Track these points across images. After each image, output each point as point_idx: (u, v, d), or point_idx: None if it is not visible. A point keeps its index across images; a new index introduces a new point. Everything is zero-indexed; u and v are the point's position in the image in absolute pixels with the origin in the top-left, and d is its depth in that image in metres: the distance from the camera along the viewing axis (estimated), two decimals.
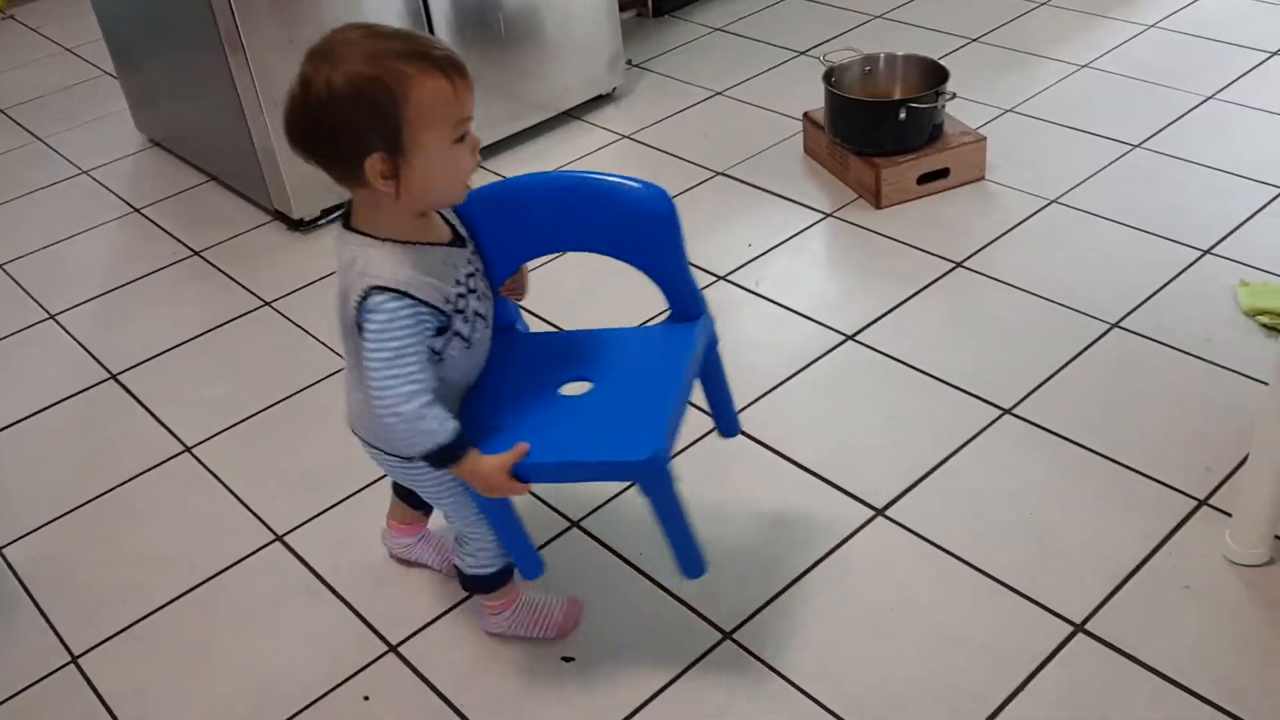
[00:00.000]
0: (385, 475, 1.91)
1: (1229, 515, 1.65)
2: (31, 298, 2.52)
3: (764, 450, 1.89)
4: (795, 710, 1.49)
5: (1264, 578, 1.59)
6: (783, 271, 2.34)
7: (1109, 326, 2.07)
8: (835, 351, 2.10)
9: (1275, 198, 2.37)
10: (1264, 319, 2.02)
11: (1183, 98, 2.76)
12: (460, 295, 1.34)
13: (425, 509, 1.71)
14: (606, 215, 1.46)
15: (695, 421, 1.77)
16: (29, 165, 3.08)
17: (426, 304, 1.28)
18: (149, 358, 2.28)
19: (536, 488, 1.69)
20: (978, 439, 1.87)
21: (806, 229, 2.46)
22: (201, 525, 1.87)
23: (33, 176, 3.02)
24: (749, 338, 2.14)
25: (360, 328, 1.27)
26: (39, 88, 3.55)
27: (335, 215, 2.63)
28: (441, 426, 1.29)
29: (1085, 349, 2.03)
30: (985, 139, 2.53)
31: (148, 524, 1.89)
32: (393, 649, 1.63)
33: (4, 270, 2.63)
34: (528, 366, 1.49)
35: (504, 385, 1.46)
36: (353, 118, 1.20)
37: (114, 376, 2.24)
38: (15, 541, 1.89)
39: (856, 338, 2.13)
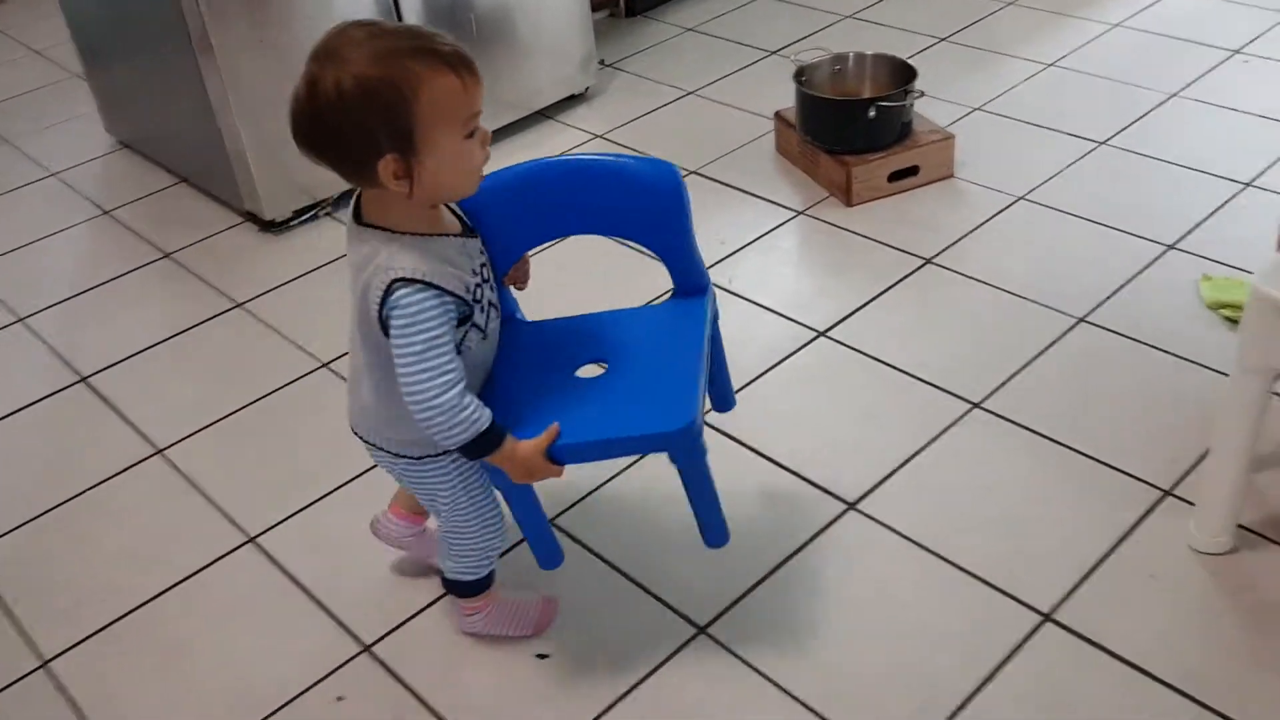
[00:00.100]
0: (360, 475, 1.92)
1: (1193, 505, 1.68)
2: (0, 301, 2.50)
3: (737, 446, 1.90)
4: (769, 703, 1.50)
5: (1227, 566, 1.61)
6: (755, 269, 2.35)
7: (1076, 321, 2.10)
8: (807, 348, 2.12)
9: (1237, 193, 2.40)
10: (1226, 312, 2.05)
11: (1147, 95, 2.80)
12: (478, 285, 1.33)
13: None
14: (614, 195, 1.47)
15: None
16: None
17: (451, 294, 1.27)
18: (120, 360, 2.27)
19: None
20: (948, 433, 1.89)
21: (778, 227, 2.48)
22: (173, 528, 1.87)
23: (1, 179, 3.00)
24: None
25: (385, 324, 1.25)
26: (7, 90, 3.52)
27: (307, 216, 2.64)
28: (480, 413, 1.29)
29: (1052, 343, 2.05)
30: (954, 137, 2.56)
31: (119, 527, 1.88)
32: (367, 649, 1.63)
33: None
34: (539, 354, 1.50)
35: (519, 374, 1.46)
36: (364, 119, 1.19)
37: (84, 379, 2.23)
38: None
39: (828, 334, 2.14)
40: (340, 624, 1.67)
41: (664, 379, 1.42)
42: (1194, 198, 2.40)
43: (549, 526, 1.50)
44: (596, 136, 2.86)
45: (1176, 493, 1.73)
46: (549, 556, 1.51)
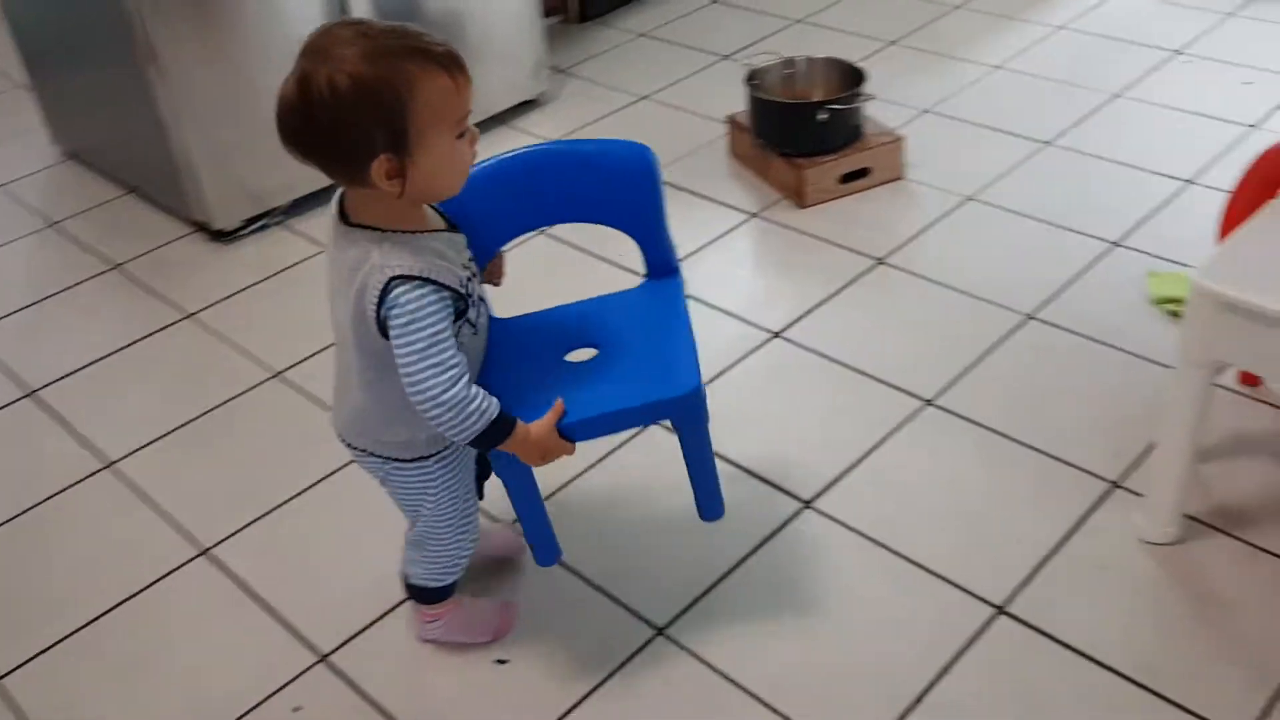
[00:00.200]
0: (314, 484, 1.91)
1: (1141, 496, 1.71)
2: None
3: None
4: (728, 702, 1.51)
5: (1175, 556, 1.64)
6: (710, 271, 2.36)
7: (1024, 318, 2.13)
8: (762, 349, 2.13)
9: (1180, 191, 2.45)
10: (1171, 307, 2.09)
11: (1091, 96, 2.85)
12: (469, 278, 1.33)
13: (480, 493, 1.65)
14: (589, 179, 1.49)
15: None
16: None
17: (448, 288, 1.26)
18: (69, 373, 2.23)
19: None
20: (901, 430, 1.91)
21: (732, 229, 2.49)
22: (126, 541, 1.84)
23: None
24: None
25: (384, 324, 1.24)
26: None
27: (257, 225, 2.62)
28: (488, 402, 1.28)
29: (1002, 340, 2.08)
30: (903, 139, 2.59)
31: (70, 542, 1.86)
32: (324, 658, 1.62)
33: None
34: (525, 346, 1.51)
35: (510, 367, 1.46)
36: (359, 119, 1.17)
37: (33, 393, 2.19)
38: None
39: (783, 335, 2.16)
40: (296, 634, 1.65)
41: (660, 350, 1.46)
42: (1138, 196, 2.44)
43: (549, 523, 1.50)
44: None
45: (1125, 485, 1.76)
46: (547, 553, 1.52)
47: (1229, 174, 1.69)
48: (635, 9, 3.61)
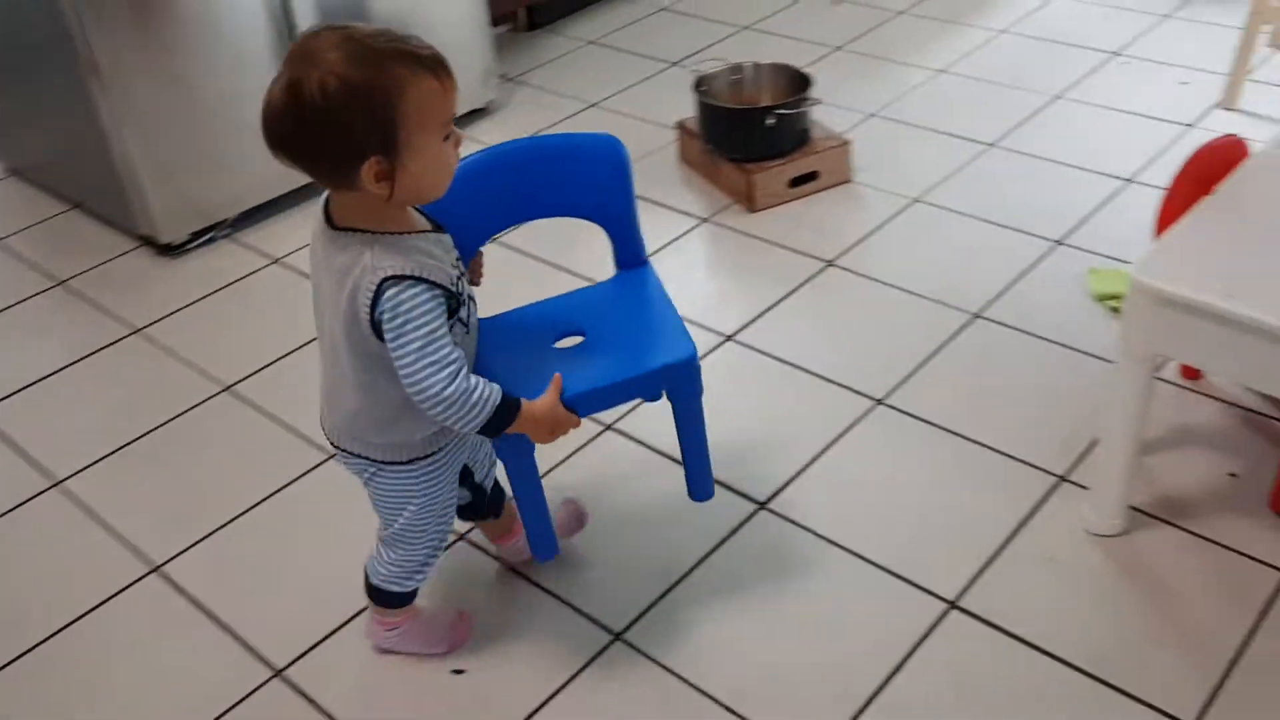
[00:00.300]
0: (265, 499, 1.90)
1: (1087, 489, 1.74)
2: None
3: (647, 451, 1.92)
4: (687, 704, 1.51)
5: (1121, 547, 1.67)
6: (662, 276, 2.34)
7: (971, 317, 2.16)
8: (715, 352, 2.14)
9: (1120, 189, 2.50)
10: (1112, 303, 2.13)
11: (1032, 98, 2.90)
12: (459, 277, 1.34)
13: (496, 510, 1.66)
14: (562, 172, 1.53)
15: (588, 426, 1.78)
16: None
17: (440, 286, 1.27)
18: (15, 391, 2.20)
19: None
20: (853, 430, 1.93)
21: (684, 234, 2.51)
22: (75, 560, 1.82)
23: None
24: None
25: (378, 326, 1.25)
26: None
27: (204, 239, 2.59)
28: (490, 389, 1.30)
29: (950, 339, 2.11)
30: (851, 142, 2.62)
31: (18, 562, 1.83)
32: (278, 673, 1.60)
33: None
34: (513, 340, 1.53)
35: (502, 360, 1.49)
36: (349, 122, 1.18)
37: None
38: None
39: (735, 338, 2.17)
40: (250, 649, 1.64)
41: (649, 326, 1.51)
42: (1079, 195, 2.49)
43: (549, 518, 1.53)
44: None
45: (1071, 478, 1.79)
46: (546, 547, 1.54)
47: (1166, 172, 1.73)
48: (584, 17, 3.62)
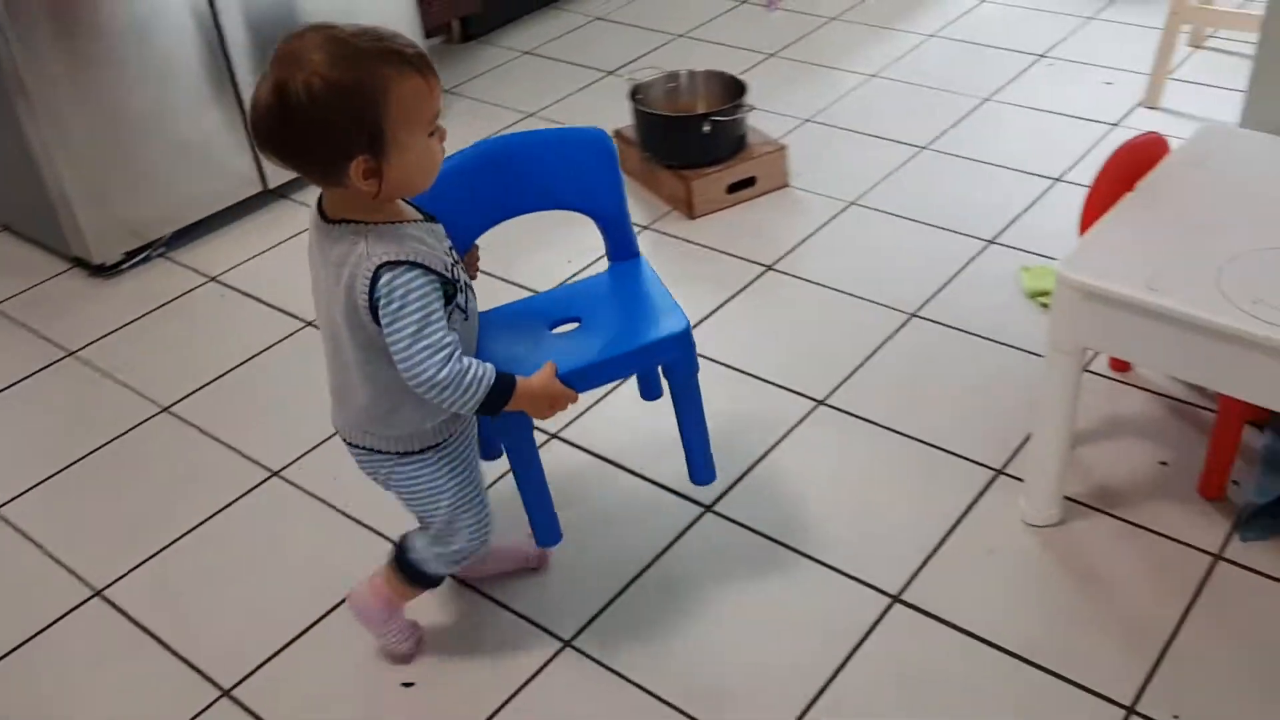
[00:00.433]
0: (208, 518, 1.88)
1: (1023, 481, 1.78)
2: None
3: (591, 458, 1.93)
4: (638, 707, 1.52)
5: (1057, 536, 1.71)
6: None
7: (908, 316, 2.20)
8: None
9: (1049, 188, 2.56)
10: (1043, 299, 2.18)
11: (962, 101, 2.96)
12: (453, 264, 1.35)
13: None
14: (553, 165, 1.57)
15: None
16: None
17: (434, 272, 1.28)
18: None
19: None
20: (796, 430, 1.95)
21: None
22: (15, 587, 1.79)
23: None
24: None
25: (376, 312, 1.26)
26: None
27: (139, 258, 2.56)
28: (483, 368, 1.31)
29: (888, 339, 2.15)
30: (786, 148, 2.65)
31: None
32: (226, 693, 1.59)
33: None
34: (511, 328, 1.57)
35: (500, 346, 1.52)
36: (336, 121, 1.20)
37: None
38: None
39: None
40: (197, 670, 1.62)
41: (642, 307, 1.56)
42: (1010, 194, 2.55)
43: (551, 503, 1.55)
44: None
45: (1008, 471, 1.83)
46: (549, 532, 1.57)
47: (1093, 171, 1.77)
48: (518, 27, 3.63)
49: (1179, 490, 1.76)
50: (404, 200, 1.36)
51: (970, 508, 1.77)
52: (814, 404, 2.01)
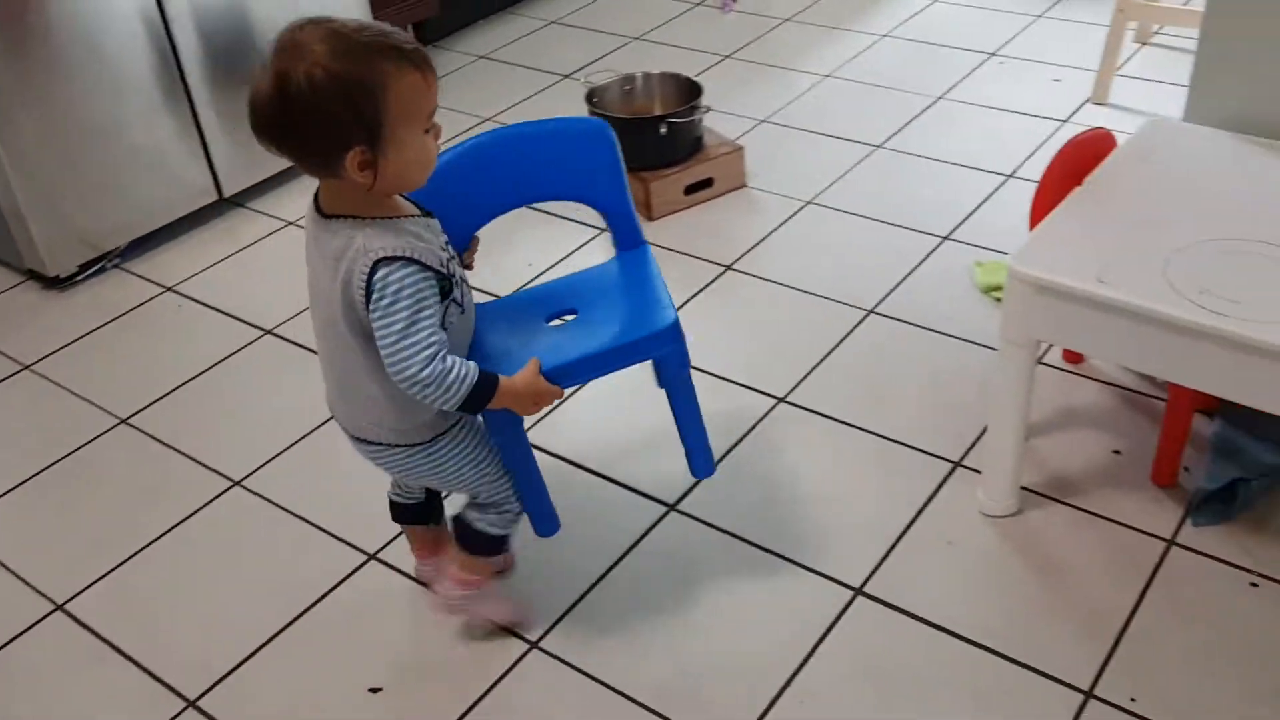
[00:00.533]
0: (168, 530, 1.86)
1: (980, 473, 1.81)
2: None
3: (554, 460, 1.94)
4: (607, 707, 1.53)
5: (1014, 526, 1.74)
6: None
7: (866, 313, 2.23)
8: None
9: (1001, 185, 2.60)
10: (997, 294, 2.21)
11: (916, 99, 2.99)
12: (450, 259, 1.36)
13: (438, 516, 1.67)
14: (554, 156, 1.58)
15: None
16: None
17: (430, 268, 1.29)
18: None
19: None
20: (757, 428, 1.97)
21: (583, 245, 2.53)
22: None
23: None
24: None
25: (370, 305, 1.27)
26: None
27: (93, 270, 2.53)
28: (465, 368, 1.32)
29: (846, 336, 2.17)
30: (743, 148, 2.67)
31: None
32: (191, 704, 1.58)
33: None
34: (505, 321, 1.57)
35: (496, 338, 1.52)
36: (335, 113, 1.21)
37: None
38: None
39: None
40: (162, 682, 1.61)
41: (635, 301, 1.56)
42: (963, 191, 2.58)
43: (547, 492, 1.54)
44: None
45: (965, 463, 1.86)
46: (547, 522, 1.56)
47: (1043, 167, 1.81)
48: (473, 32, 3.63)
49: (1132, 478, 1.80)
50: (401, 195, 1.37)
51: (929, 500, 1.80)
52: (775, 401, 2.03)
